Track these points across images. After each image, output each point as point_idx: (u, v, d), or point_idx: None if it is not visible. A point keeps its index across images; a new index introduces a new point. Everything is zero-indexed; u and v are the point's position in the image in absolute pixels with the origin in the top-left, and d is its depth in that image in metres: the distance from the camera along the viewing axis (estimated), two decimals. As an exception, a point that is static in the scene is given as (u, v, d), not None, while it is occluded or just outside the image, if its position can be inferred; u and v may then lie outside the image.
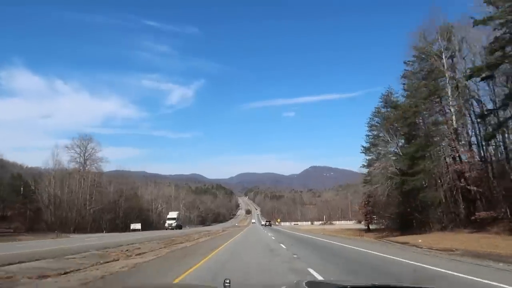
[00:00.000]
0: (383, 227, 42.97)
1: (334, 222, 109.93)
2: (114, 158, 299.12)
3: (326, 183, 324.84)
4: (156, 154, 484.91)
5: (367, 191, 44.26)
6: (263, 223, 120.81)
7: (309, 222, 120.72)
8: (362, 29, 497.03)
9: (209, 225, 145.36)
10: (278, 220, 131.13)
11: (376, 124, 39.73)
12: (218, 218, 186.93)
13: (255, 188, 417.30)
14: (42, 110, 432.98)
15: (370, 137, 40.68)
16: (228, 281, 2.52)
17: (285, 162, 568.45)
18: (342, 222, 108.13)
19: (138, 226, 71.45)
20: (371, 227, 47.47)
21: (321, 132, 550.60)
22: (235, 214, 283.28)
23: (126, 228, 70.61)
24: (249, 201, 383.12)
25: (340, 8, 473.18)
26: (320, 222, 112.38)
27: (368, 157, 41.13)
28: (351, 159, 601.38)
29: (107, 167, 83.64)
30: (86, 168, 73.08)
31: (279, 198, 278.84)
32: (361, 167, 43.19)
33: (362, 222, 57.07)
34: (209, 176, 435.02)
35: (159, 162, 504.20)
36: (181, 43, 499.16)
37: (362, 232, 43.27)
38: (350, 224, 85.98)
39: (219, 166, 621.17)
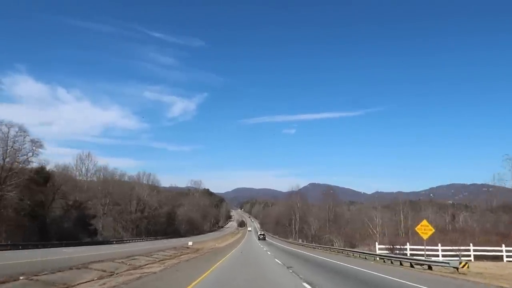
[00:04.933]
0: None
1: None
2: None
3: (326, 201, 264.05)
4: (154, 166, 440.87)
5: None
6: (260, 233, 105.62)
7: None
8: (364, 52, 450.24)
9: (128, 241, 63.31)
10: None
11: None
12: (177, 229, 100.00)
13: (252, 200, 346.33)
14: (43, 117, 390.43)
15: None
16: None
17: (283, 179, 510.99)
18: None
19: None
20: None
21: (321, 149, 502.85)
22: (222, 227, 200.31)
23: None
24: (245, 214, 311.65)
25: (344, 31, 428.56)
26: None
27: None
28: (351, 179, 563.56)
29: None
30: None
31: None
32: None
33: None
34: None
35: (156, 173, 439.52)
36: (186, 56, 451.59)
37: None
38: None
39: (215, 180, 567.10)
